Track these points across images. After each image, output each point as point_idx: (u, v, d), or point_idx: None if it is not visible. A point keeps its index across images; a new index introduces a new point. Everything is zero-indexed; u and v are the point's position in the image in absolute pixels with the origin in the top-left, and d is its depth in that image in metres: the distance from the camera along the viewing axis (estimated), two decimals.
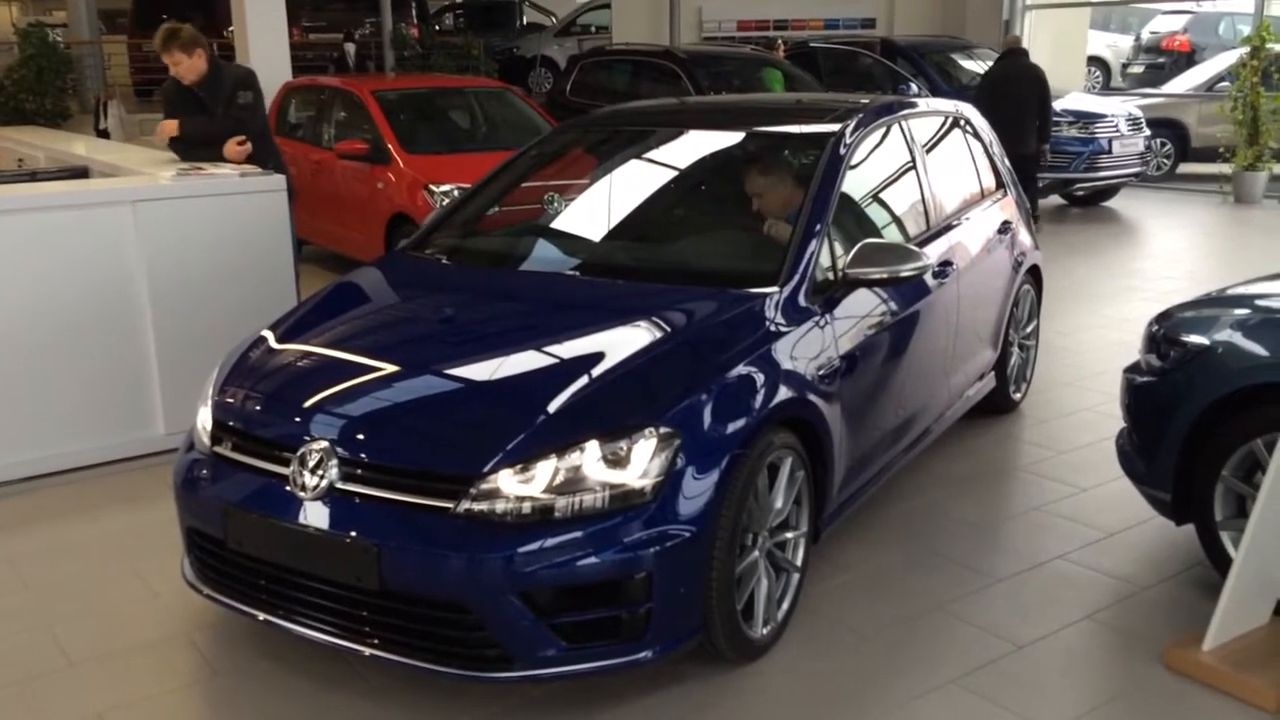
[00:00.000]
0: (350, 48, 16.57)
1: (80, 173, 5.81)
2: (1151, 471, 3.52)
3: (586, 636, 2.74)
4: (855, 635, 3.27)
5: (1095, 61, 18.42)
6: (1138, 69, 18.78)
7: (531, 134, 8.15)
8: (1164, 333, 3.54)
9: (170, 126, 5.59)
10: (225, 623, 3.31)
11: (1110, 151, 10.97)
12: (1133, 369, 3.70)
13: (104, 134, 11.49)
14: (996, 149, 5.24)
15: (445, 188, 7.00)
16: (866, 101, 4.37)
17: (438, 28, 20.07)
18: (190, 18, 6.89)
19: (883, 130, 4.23)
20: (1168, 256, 9.29)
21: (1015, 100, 9.52)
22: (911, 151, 4.35)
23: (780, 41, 12.52)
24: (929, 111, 4.82)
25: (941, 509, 4.16)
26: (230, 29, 11.25)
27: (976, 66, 12.30)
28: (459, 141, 8.31)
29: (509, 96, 9.05)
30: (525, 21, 22.37)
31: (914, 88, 11.17)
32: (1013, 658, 3.15)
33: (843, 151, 3.84)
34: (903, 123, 4.39)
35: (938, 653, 3.17)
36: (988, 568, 3.68)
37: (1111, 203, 11.80)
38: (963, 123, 5.02)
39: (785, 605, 3.22)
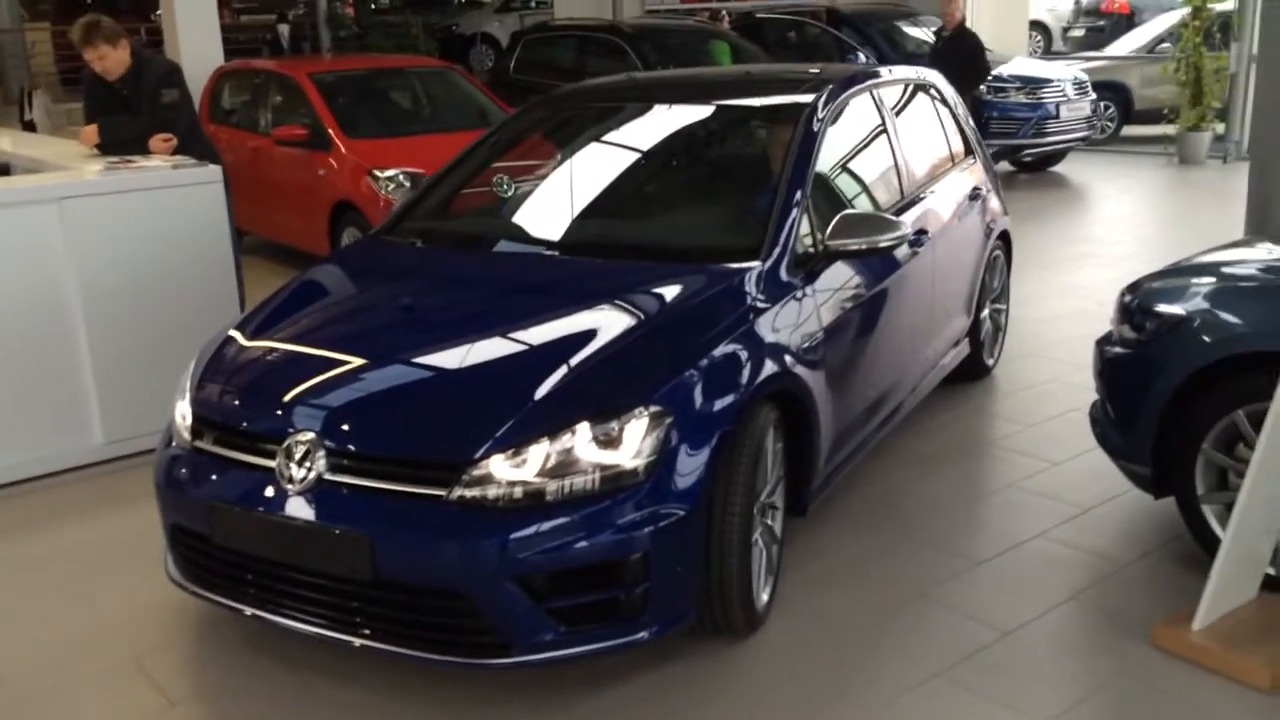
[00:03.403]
0: (284, 29, 16.18)
1: (1, 170, 5.52)
2: (1129, 445, 3.45)
3: (584, 619, 2.68)
4: (835, 628, 3.16)
5: (1036, 26, 18.48)
6: (1078, 32, 18.88)
7: (477, 114, 7.94)
8: (1138, 303, 3.46)
9: (90, 134, 5.25)
10: (180, 644, 3.14)
11: (1058, 116, 10.97)
12: (1105, 340, 3.62)
13: (30, 126, 11.06)
14: (962, 112, 5.20)
15: (390, 173, 6.72)
16: (827, 71, 4.30)
17: (374, 6, 19.66)
18: (116, 2, 6.58)
19: (854, 100, 4.17)
20: (1119, 220, 9.31)
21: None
22: (883, 120, 4.29)
23: (725, 14, 12.37)
24: (897, 80, 4.77)
25: (915, 490, 4.07)
26: (158, 13, 10.87)
27: (924, 35, 12.22)
28: (402, 124, 8.06)
29: (452, 76, 8.80)
30: None
31: (862, 57, 11.07)
32: (999, 645, 3.06)
33: (816, 124, 3.78)
34: (873, 91, 4.33)
35: (922, 643, 3.08)
36: (967, 550, 3.60)
37: (1059, 167, 11.81)
38: (930, 89, 4.97)
39: (772, 578, 3.20)
